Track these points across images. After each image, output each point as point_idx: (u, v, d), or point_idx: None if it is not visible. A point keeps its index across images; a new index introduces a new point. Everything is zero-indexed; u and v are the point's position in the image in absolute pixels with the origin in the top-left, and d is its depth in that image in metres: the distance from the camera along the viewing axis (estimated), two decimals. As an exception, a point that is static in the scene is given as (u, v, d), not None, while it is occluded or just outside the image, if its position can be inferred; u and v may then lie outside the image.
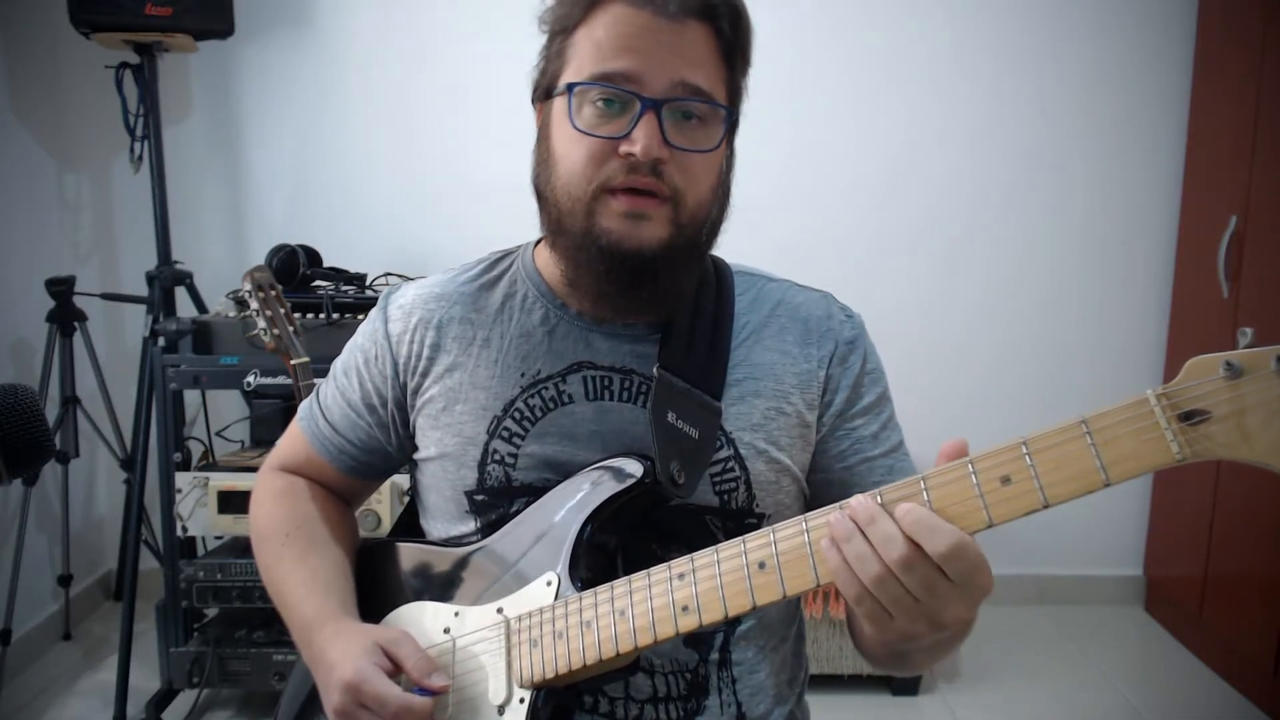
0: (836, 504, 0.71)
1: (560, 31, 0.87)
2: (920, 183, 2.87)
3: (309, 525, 0.99)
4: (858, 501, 0.69)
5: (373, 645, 0.83)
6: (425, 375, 0.96)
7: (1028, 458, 0.65)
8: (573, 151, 0.85)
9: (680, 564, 0.77)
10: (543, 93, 0.90)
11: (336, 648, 0.85)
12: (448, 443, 0.94)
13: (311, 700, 0.96)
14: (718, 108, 0.86)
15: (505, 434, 0.92)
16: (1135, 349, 2.94)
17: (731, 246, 0.96)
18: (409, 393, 0.97)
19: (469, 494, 0.93)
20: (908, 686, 2.43)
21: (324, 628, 0.88)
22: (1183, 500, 2.74)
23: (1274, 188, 2.37)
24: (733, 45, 0.87)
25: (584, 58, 0.84)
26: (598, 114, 0.84)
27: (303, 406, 1.06)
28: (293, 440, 1.06)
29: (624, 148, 0.82)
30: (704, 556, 0.76)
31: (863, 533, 0.68)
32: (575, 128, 0.84)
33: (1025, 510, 0.66)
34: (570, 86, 0.84)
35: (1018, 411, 2.95)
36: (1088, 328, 2.93)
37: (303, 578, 0.94)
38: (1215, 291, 2.56)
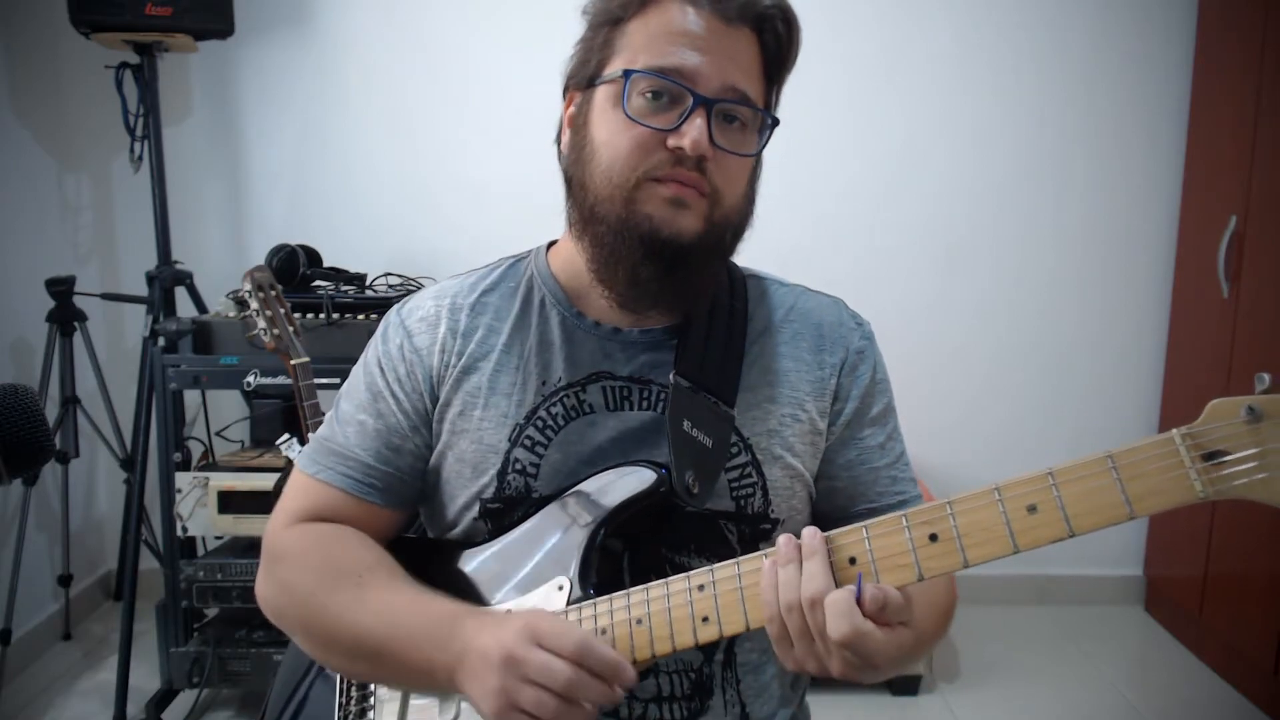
0: (863, 524, 0.72)
1: (609, 22, 0.87)
2: (920, 183, 2.87)
3: (385, 563, 0.89)
4: (810, 533, 0.73)
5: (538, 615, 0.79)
6: (448, 383, 0.94)
7: (1055, 488, 0.67)
8: (618, 139, 0.85)
9: (700, 575, 0.77)
10: (584, 80, 0.90)
11: (489, 630, 0.78)
12: (465, 449, 0.93)
13: (295, 697, 0.96)
14: (761, 114, 0.87)
15: (528, 443, 0.91)
16: (1135, 349, 2.94)
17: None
18: (439, 405, 0.94)
19: (484, 501, 0.92)
20: (907, 686, 2.43)
21: (469, 618, 0.81)
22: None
23: (1274, 188, 2.37)
24: (777, 58, 0.89)
25: (638, 49, 0.85)
26: (647, 105, 0.84)
27: (310, 461, 0.96)
28: (308, 494, 0.95)
29: (672, 141, 0.83)
30: (725, 569, 0.76)
31: (800, 563, 0.71)
32: (627, 115, 0.84)
33: (1050, 539, 0.67)
34: (627, 73, 0.84)
35: (1018, 412, 2.95)
36: (1088, 328, 2.94)
37: (412, 594, 0.85)
38: (1215, 291, 2.56)
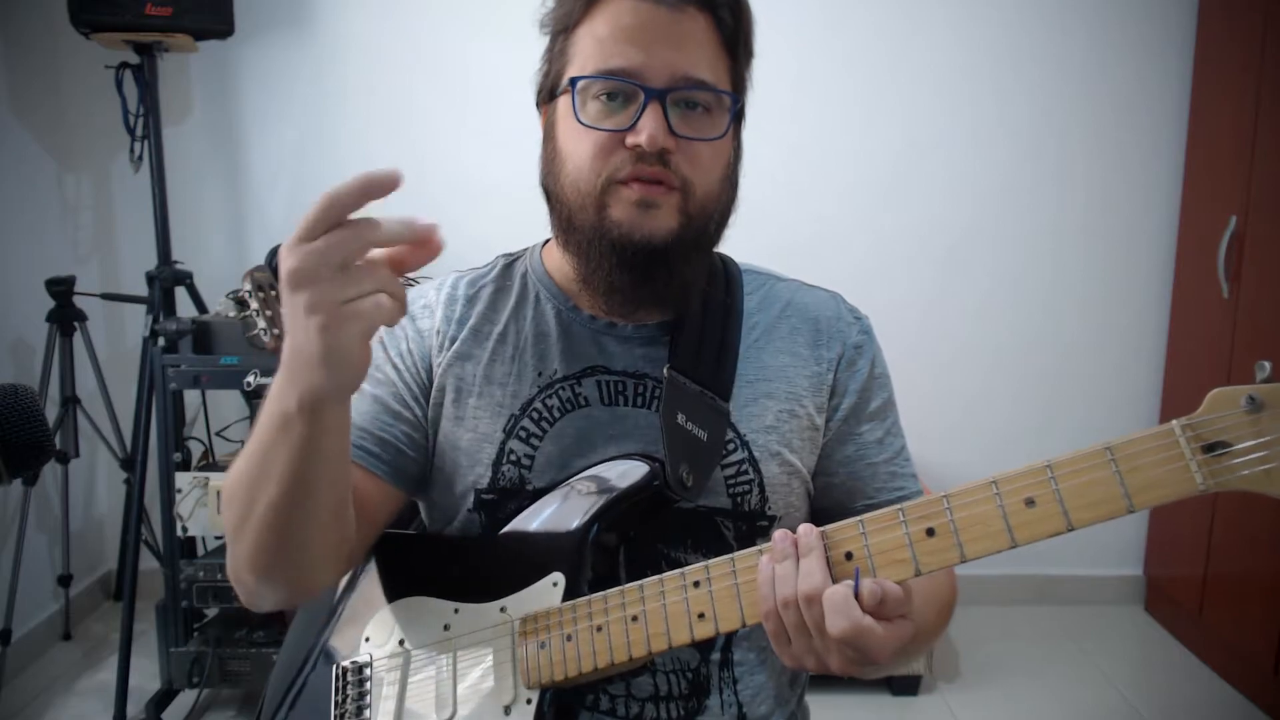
0: (859, 519, 0.72)
1: (561, 31, 0.87)
2: (921, 182, 2.87)
3: None
4: (806, 529, 0.72)
5: None
6: (442, 368, 0.95)
7: (1053, 481, 0.66)
8: (579, 147, 0.85)
9: (695, 571, 0.77)
10: (547, 93, 0.90)
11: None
12: (460, 437, 0.93)
13: (293, 689, 0.96)
14: (722, 95, 0.86)
15: (522, 434, 0.91)
16: (1135, 349, 2.94)
17: (732, 246, 0.96)
18: (434, 388, 0.95)
19: (479, 492, 0.92)
20: (907, 686, 2.43)
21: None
22: (1183, 500, 2.74)
23: (1274, 188, 2.37)
24: (734, 34, 0.86)
25: (587, 54, 0.84)
26: (602, 108, 0.84)
27: None
28: None
29: (630, 139, 0.82)
30: (720, 565, 0.76)
31: (796, 559, 0.71)
32: (580, 122, 0.84)
33: (1049, 533, 0.66)
34: (573, 81, 0.84)
35: (1018, 411, 2.95)
36: (1088, 328, 2.93)
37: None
38: (1215, 291, 2.56)
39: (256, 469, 0.76)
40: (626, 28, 0.82)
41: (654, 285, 0.87)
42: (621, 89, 0.83)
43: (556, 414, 0.91)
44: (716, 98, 0.85)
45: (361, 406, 0.93)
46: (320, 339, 0.65)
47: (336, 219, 0.66)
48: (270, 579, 0.83)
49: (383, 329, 0.95)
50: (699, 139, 0.84)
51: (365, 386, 0.94)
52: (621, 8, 0.83)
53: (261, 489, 0.76)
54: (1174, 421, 0.63)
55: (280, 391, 0.71)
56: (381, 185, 0.66)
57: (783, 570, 0.71)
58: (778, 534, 0.72)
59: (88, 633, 2.73)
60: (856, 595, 0.67)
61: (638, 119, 0.82)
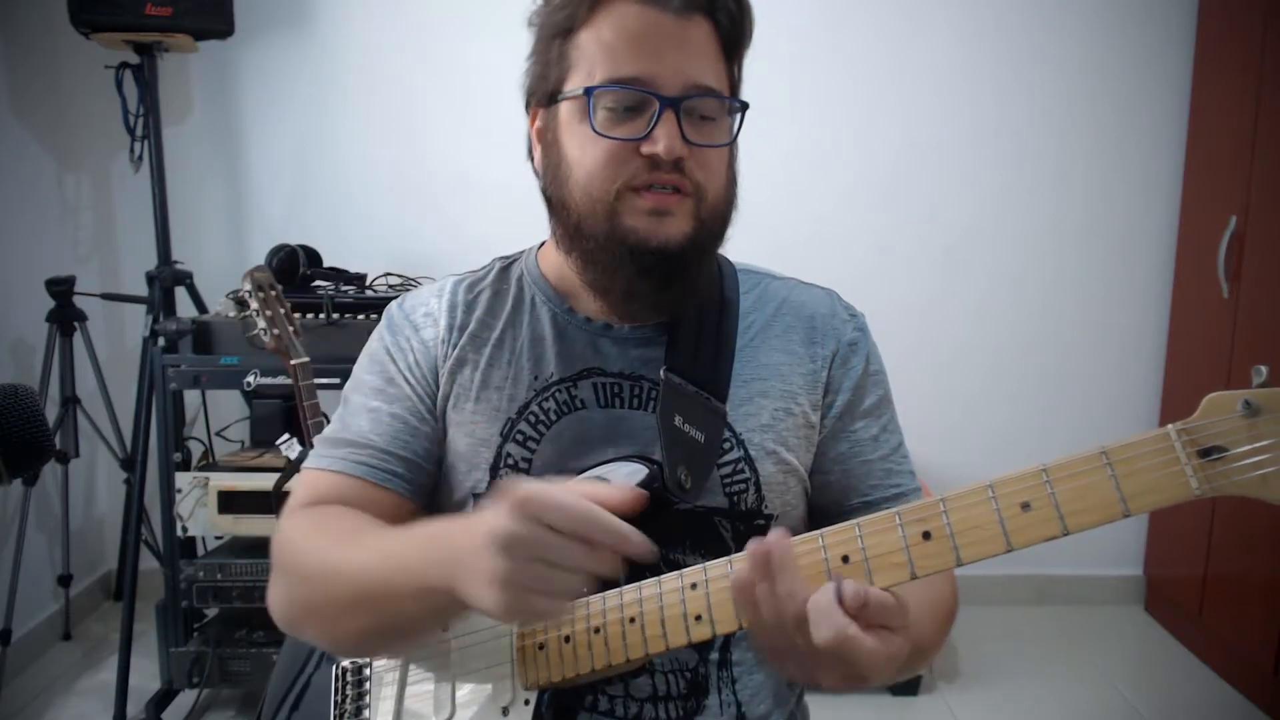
0: (855, 521, 0.71)
1: (561, 33, 0.86)
2: (921, 183, 2.87)
3: (377, 526, 0.86)
4: (800, 539, 0.71)
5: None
6: (444, 375, 0.95)
7: (1048, 485, 0.66)
8: (591, 154, 0.84)
9: (692, 573, 0.77)
10: (544, 97, 0.89)
11: (478, 522, 0.69)
12: (458, 442, 0.93)
13: (295, 688, 0.96)
14: (729, 102, 0.87)
15: (519, 437, 0.91)
16: (1135, 349, 2.94)
17: (732, 246, 0.96)
18: (438, 396, 0.95)
19: (478, 496, 0.92)
20: (907, 686, 2.43)
21: (456, 523, 0.75)
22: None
23: (1274, 188, 2.37)
24: (733, 38, 0.87)
25: (594, 60, 0.84)
26: (613, 116, 0.83)
27: (319, 456, 0.93)
28: (316, 488, 0.91)
29: (646, 148, 0.82)
30: (717, 567, 0.76)
31: (771, 578, 0.68)
32: (595, 131, 0.83)
33: (1045, 537, 0.66)
34: (589, 91, 0.83)
35: (1018, 411, 2.95)
36: (1088, 328, 2.93)
37: (404, 531, 0.79)
38: (1215, 291, 2.56)
39: (369, 603, 0.78)
40: (635, 34, 0.82)
41: (672, 290, 0.87)
42: (635, 98, 0.83)
43: (553, 417, 0.91)
44: (721, 104, 0.86)
45: (383, 427, 0.93)
46: (496, 603, 0.67)
47: (583, 533, 0.65)
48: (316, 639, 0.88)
49: (389, 342, 0.97)
50: (710, 146, 0.85)
51: (383, 405, 0.94)
52: (627, 13, 0.82)
53: (362, 614, 0.79)
54: (1170, 426, 0.63)
55: (437, 569, 0.72)
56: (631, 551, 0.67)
57: (762, 592, 0.69)
58: (774, 537, 0.70)
59: (88, 633, 2.74)
60: (840, 598, 0.65)
61: (653, 128, 0.82)
